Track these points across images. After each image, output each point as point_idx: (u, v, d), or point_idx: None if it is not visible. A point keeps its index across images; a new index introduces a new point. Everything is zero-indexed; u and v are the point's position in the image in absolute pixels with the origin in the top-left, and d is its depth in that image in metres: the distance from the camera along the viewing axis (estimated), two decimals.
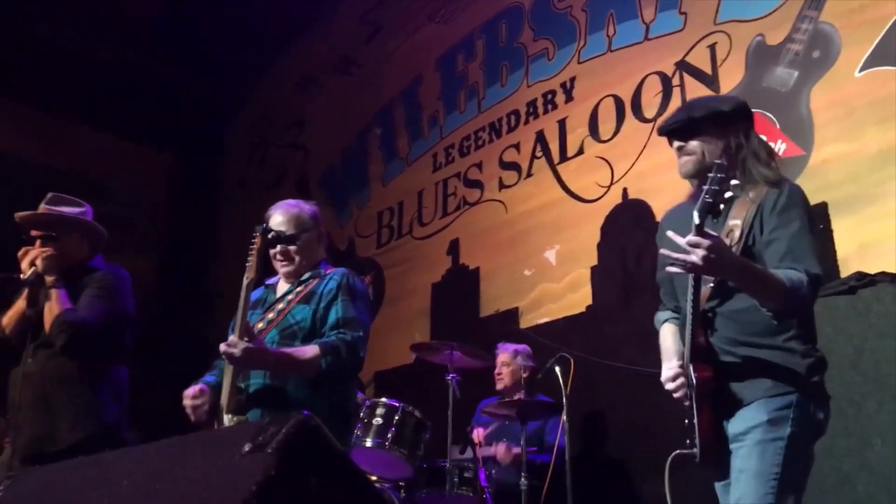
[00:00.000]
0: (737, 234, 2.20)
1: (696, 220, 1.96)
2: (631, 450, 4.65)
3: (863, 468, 3.25)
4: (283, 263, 2.83)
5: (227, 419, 2.53)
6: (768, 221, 2.16)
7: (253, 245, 2.58)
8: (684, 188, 4.75)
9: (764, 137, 2.44)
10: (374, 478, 3.82)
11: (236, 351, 2.46)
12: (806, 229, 2.16)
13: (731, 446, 2.10)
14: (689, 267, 1.98)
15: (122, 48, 8.52)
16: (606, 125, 5.51)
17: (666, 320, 2.39)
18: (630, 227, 5.19)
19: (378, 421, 3.84)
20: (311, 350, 2.55)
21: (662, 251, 2.26)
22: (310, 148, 8.37)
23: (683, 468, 2.22)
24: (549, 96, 5.94)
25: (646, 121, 5.27)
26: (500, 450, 4.04)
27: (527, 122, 6.07)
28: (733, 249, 2.15)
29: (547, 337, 5.37)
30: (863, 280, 3.51)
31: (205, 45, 8.46)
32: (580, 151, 5.63)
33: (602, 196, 5.40)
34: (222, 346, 2.52)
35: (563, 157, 5.73)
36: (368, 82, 7.77)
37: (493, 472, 4.06)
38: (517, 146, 6.10)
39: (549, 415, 4.15)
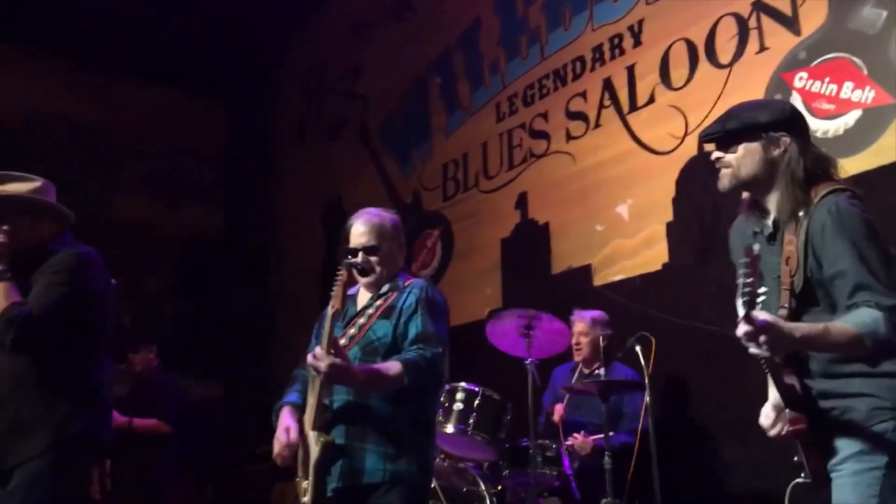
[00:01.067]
0: (794, 264, 2.07)
1: (741, 311, 1.84)
2: (712, 413, 4.59)
3: None
4: (364, 274, 2.80)
5: (313, 437, 2.55)
6: (822, 250, 2.04)
7: (338, 278, 2.54)
8: None
9: (823, 150, 2.25)
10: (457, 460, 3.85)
11: (322, 365, 2.45)
12: (865, 254, 2.02)
13: (831, 475, 2.03)
14: (763, 359, 1.90)
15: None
16: (678, 71, 5.24)
17: None
18: (707, 180, 4.94)
19: (458, 406, 3.85)
20: (394, 367, 2.53)
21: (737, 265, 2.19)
22: (368, 97, 8.25)
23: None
24: (616, 41, 5.67)
25: (721, 66, 5.00)
26: (577, 441, 4.01)
27: (593, 68, 5.83)
28: (795, 280, 2.03)
29: (622, 295, 5.30)
30: None
31: None
32: (651, 100, 5.39)
33: (676, 148, 5.18)
34: (310, 359, 2.51)
35: (633, 107, 5.50)
36: (424, 27, 7.55)
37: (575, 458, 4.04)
38: (584, 95, 5.88)
39: (628, 389, 4.08)
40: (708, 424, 4.60)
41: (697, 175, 5.04)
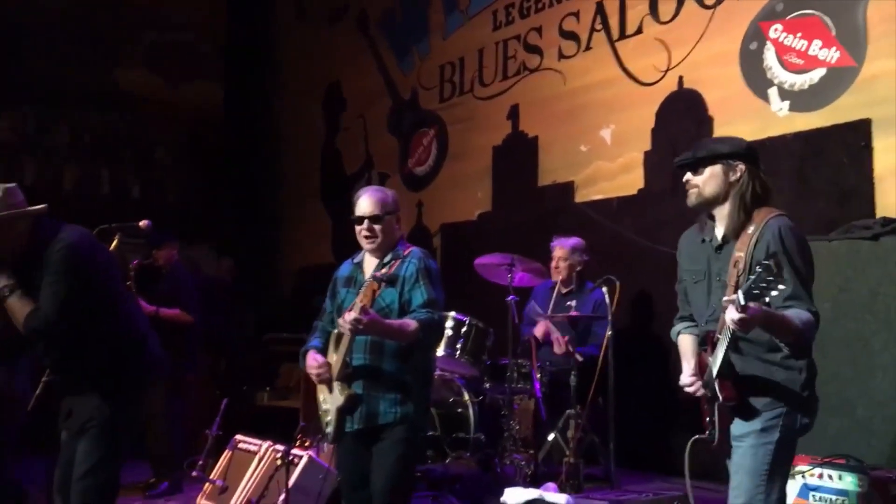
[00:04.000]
0: (741, 267, 2.60)
1: (741, 301, 2.36)
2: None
3: (863, 395, 3.80)
4: (369, 240, 3.29)
5: (338, 386, 3.16)
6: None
7: (368, 287, 3.00)
8: (737, 87, 4.98)
9: (767, 179, 2.72)
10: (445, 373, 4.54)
11: (361, 322, 2.95)
12: (800, 271, 2.55)
13: (732, 443, 2.67)
14: (736, 329, 2.43)
15: None
16: (666, 5, 5.52)
17: (679, 332, 2.88)
18: (683, 116, 5.41)
19: (448, 332, 4.50)
20: (412, 324, 3.09)
21: (681, 265, 2.77)
22: None
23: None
24: None
25: (706, 7, 5.29)
26: (556, 340, 4.67)
27: None
28: (740, 280, 2.57)
29: (600, 214, 5.84)
30: (887, 227, 3.84)
31: None
32: (639, 30, 5.70)
33: (658, 80, 5.55)
34: (348, 318, 2.98)
35: (622, 35, 5.81)
36: None
37: (548, 363, 4.73)
38: (577, 15, 6.15)
39: (596, 320, 4.73)
40: (664, 336, 5.26)
41: (675, 110, 5.46)
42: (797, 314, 2.51)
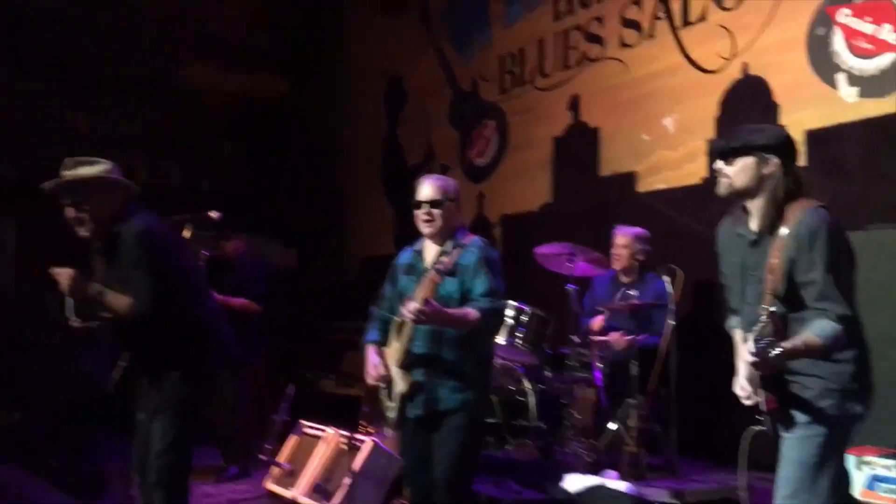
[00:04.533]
0: (778, 273, 2.57)
1: (750, 359, 2.40)
2: None
3: None
4: (427, 223, 3.34)
5: (399, 373, 3.25)
6: (800, 260, 2.53)
7: (429, 277, 3.07)
8: (804, 73, 4.89)
9: (801, 173, 2.68)
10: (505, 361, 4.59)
11: (424, 313, 3.02)
12: (831, 265, 2.51)
13: (781, 434, 2.64)
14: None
15: None
16: None
17: (732, 326, 2.86)
18: (748, 104, 5.32)
19: (509, 321, 4.54)
20: (473, 313, 3.15)
21: (721, 257, 2.83)
22: None
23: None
24: None
25: None
26: (614, 336, 4.68)
27: None
28: (777, 288, 2.53)
29: (662, 204, 5.79)
30: None
31: None
32: (702, 17, 5.63)
33: (722, 68, 5.48)
34: (410, 308, 3.05)
35: (685, 22, 5.75)
36: None
37: (608, 352, 4.74)
38: (638, 3, 6.10)
39: (657, 309, 4.71)
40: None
41: (740, 97, 5.38)
42: (820, 331, 2.48)
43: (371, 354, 3.37)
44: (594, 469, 4.20)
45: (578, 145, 6.56)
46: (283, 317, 7.11)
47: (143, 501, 3.33)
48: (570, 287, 4.66)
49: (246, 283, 5.93)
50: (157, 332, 3.23)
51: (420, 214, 3.34)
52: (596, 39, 6.44)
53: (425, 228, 3.36)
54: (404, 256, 3.48)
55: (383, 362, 3.31)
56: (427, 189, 3.34)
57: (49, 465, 5.18)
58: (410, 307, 3.04)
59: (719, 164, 2.73)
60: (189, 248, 3.66)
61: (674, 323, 4.46)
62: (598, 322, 4.82)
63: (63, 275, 3.11)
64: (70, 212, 3.19)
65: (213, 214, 4.41)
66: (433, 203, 3.31)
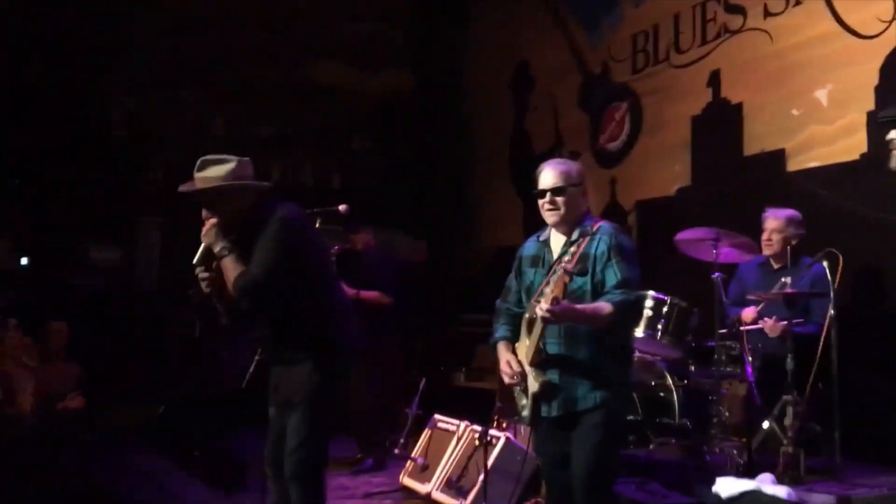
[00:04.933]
0: None
1: None
2: None
3: None
4: (551, 211, 3.15)
5: (532, 372, 3.07)
6: None
7: (554, 277, 2.88)
8: None
9: None
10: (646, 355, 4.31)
11: (553, 313, 2.84)
12: None
13: None
14: None
15: None
16: None
17: None
18: None
19: (648, 313, 4.26)
20: (606, 307, 2.94)
21: None
22: None
23: None
24: None
25: None
26: (767, 324, 4.30)
27: None
28: None
29: (816, 183, 5.34)
30: None
31: None
32: None
33: (882, 32, 4.97)
34: (540, 308, 2.86)
35: None
36: None
37: (760, 345, 4.37)
38: None
39: (815, 297, 4.30)
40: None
41: None
42: None
43: (503, 352, 3.20)
44: (748, 472, 3.86)
45: (719, 124, 6.16)
46: (414, 310, 7.10)
47: (277, 495, 3.31)
48: (717, 275, 4.31)
49: (376, 277, 5.92)
50: (288, 319, 3.19)
51: (543, 203, 3.15)
52: (737, 10, 6.02)
53: (549, 217, 3.16)
54: (529, 247, 3.30)
55: (516, 359, 3.14)
56: (549, 176, 3.14)
57: (191, 458, 5.32)
58: (540, 308, 2.85)
59: (892, 133, 2.38)
60: (324, 242, 3.60)
61: (833, 312, 4.05)
62: (749, 313, 4.45)
63: (210, 221, 3.19)
64: (205, 213, 3.23)
65: (342, 208, 4.37)
66: (556, 190, 3.10)
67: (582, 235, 3.09)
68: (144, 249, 8.40)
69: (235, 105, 9.20)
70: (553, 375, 3.04)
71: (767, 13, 5.76)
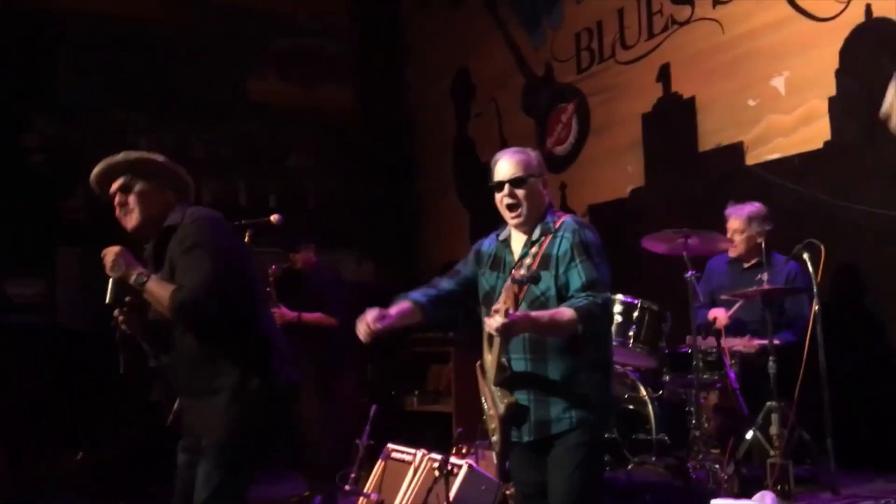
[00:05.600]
0: None
1: None
2: (885, 301, 4.46)
3: None
4: (512, 210, 2.78)
5: (497, 393, 2.66)
6: None
7: (508, 291, 2.51)
8: None
9: None
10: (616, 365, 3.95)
11: (498, 323, 2.46)
12: None
13: None
14: None
15: None
16: None
17: None
18: (875, 51, 4.60)
19: (617, 319, 3.90)
20: (567, 312, 2.56)
21: None
22: None
23: None
24: None
25: None
26: (741, 342, 3.98)
27: None
28: None
29: (779, 175, 5.09)
30: None
31: None
32: None
33: (840, 13, 4.76)
34: (491, 324, 2.48)
35: None
36: None
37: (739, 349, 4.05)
38: None
39: (794, 293, 4.00)
40: (881, 313, 4.48)
41: (864, 45, 4.66)
42: None
43: (396, 306, 2.83)
44: (743, 490, 3.52)
45: (671, 120, 5.90)
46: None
47: None
48: (690, 273, 3.98)
49: (320, 296, 5.49)
50: (208, 339, 2.69)
51: (502, 198, 2.77)
52: (684, 0, 5.77)
53: (510, 216, 2.79)
54: (489, 244, 2.93)
55: (400, 320, 2.79)
56: (506, 165, 2.79)
57: None
58: (491, 323, 2.46)
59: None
60: (251, 255, 3.12)
61: (818, 307, 3.74)
62: (721, 316, 4.12)
63: (109, 251, 2.69)
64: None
65: (274, 218, 3.94)
66: (515, 181, 2.75)
67: (544, 234, 2.74)
68: (64, 283, 7.80)
69: (164, 125, 8.69)
70: (521, 395, 2.66)
71: (717, 2, 5.53)
